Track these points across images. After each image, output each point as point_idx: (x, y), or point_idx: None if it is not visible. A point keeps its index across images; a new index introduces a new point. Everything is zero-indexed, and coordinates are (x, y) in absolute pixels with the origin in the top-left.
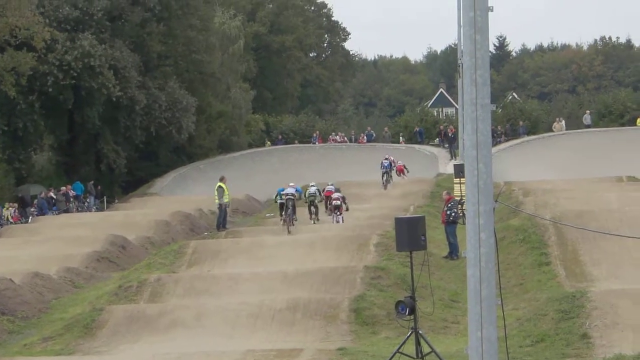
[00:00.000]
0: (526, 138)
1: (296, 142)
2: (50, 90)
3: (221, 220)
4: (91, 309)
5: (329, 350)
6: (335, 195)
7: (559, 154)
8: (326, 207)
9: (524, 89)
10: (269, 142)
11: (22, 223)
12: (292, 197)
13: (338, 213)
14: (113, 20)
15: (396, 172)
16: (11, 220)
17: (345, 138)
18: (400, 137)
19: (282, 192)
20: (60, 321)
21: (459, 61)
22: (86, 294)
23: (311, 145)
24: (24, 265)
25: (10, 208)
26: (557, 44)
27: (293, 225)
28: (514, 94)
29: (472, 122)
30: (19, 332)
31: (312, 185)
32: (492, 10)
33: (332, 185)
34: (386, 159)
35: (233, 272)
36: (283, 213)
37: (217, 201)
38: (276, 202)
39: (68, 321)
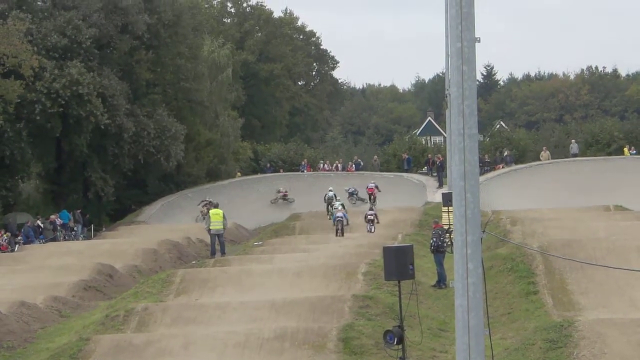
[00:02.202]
0: (514, 167)
1: (281, 170)
2: (38, 118)
3: (222, 248)
4: (78, 339)
5: None
6: (369, 212)
7: (546, 183)
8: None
9: (512, 117)
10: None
11: (9, 252)
12: (341, 219)
13: (371, 225)
14: (101, 48)
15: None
16: None
17: (339, 165)
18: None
19: (335, 217)
20: (46, 351)
21: (447, 91)
22: (73, 324)
23: (299, 173)
24: (10, 295)
25: None
26: (544, 73)
27: (343, 236)
28: (502, 122)
29: (460, 152)
30: None
31: (337, 207)
32: (479, 41)
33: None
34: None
35: (221, 301)
36: (337, 229)
37: (218, 227)
38: (330, 218)
39: (54, 351)
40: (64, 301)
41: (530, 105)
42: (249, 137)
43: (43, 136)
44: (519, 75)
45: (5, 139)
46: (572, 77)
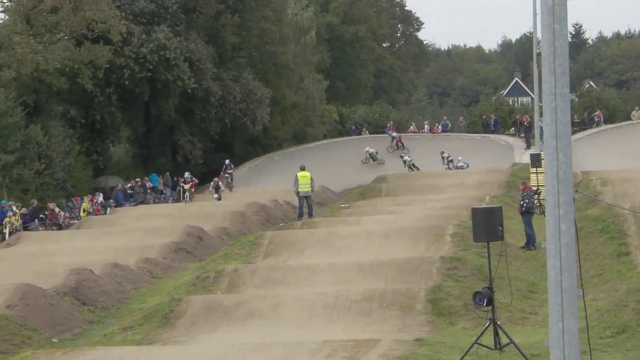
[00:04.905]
0: (604, 127)
1: (366, 132)
2: (126, 83)
3: (310, 210)
4: (169, 299)
5: (406, 341)
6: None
7: (638, 142)
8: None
9: (601, 77)
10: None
11: (102, 214)
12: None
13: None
14: (187, 12)
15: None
16: (91, 211)
17: (426, 127)
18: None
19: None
20: (139, 311)
21: (535, 50)
22: (164, 285)
23: (385, 135)
24: (103, 256)
25: (90, 201)
26: (635, 31)
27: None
28: (591, 82)
29: (551, 112)
30: (100, 322)
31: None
32: None
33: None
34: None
35: (309, 262)
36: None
37: (307, 189)
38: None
39: (147, 311)
40: (155, 262)
41: (620, 64)
42: (334, 100)
43: (132, 101)
44: (608, 33)
45: (96, 103)
46: None
